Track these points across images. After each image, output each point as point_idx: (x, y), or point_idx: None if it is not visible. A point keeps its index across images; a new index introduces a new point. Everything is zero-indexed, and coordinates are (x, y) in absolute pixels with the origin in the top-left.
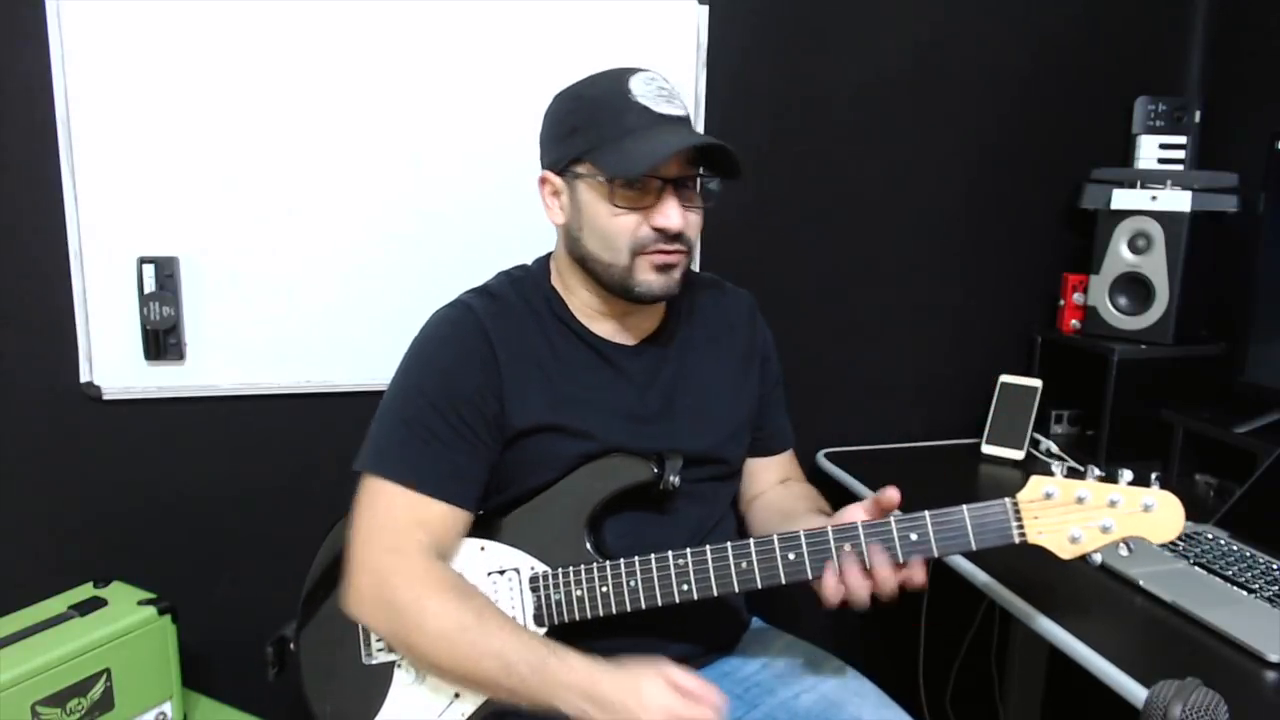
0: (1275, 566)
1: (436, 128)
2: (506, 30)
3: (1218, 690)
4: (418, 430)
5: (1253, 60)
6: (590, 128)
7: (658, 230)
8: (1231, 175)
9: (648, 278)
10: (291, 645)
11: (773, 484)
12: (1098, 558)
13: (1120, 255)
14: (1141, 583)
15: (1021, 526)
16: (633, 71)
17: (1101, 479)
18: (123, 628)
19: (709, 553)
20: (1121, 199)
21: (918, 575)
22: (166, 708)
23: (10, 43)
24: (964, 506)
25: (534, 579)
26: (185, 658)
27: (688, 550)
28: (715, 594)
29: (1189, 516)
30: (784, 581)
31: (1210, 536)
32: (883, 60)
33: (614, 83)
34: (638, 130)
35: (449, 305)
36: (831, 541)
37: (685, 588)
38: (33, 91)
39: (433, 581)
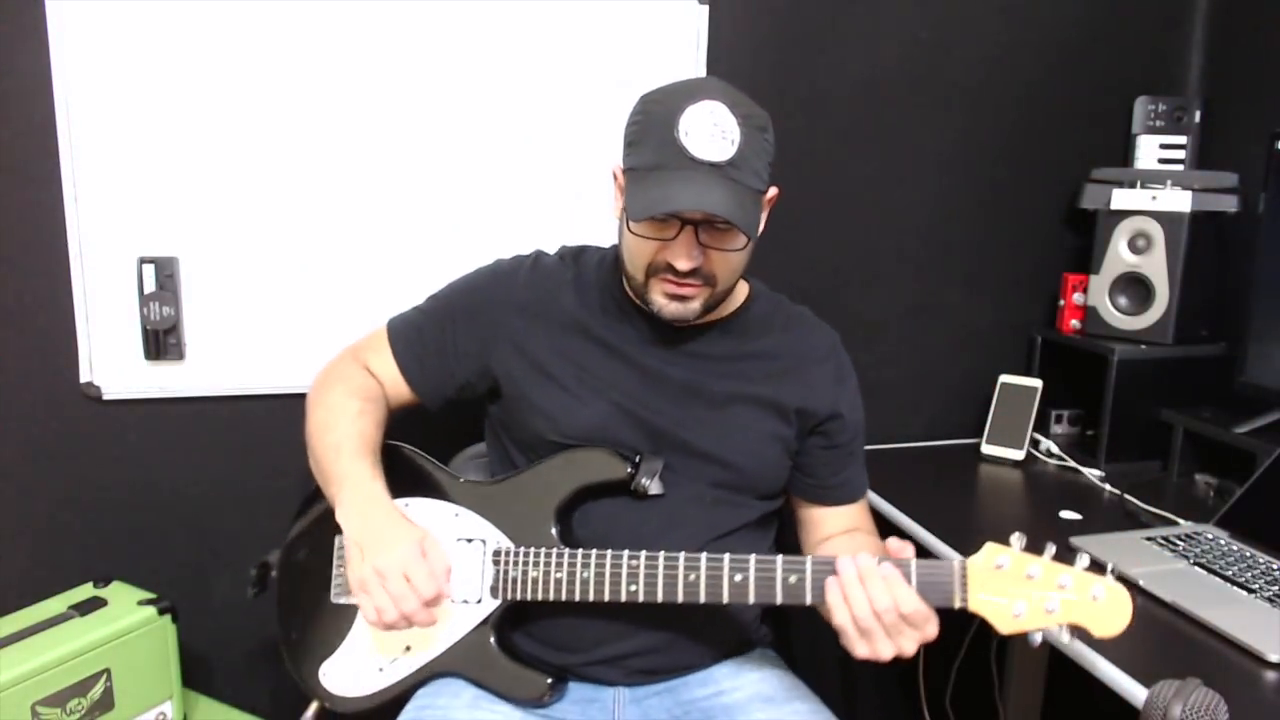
0: (1275, 566)
1: (437, 128)
2: (508, 31)
3: (1218, 690)
4: (425, 314)
5: (1253, 60)
6: (637, 146)
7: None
8: (1231, 175)
9: (659, 300)
10: (274, 572)
11: (837, 532)
12: (1038, 637)
13: (1120, 255)
14: (1141, 583)
15: (965, 592)
16: (696, 97)
17: (1056, 559)
18: (123, 628)
19: (660, 559)
20: (1121, 199)
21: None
22: (166, 708)
23: (10, 43)
24: (913, 561)
25: (497, 553)
26: (185, 658)
27: (642, 553)
28: (660, 600)
29: (1189, 516)
30: (726, 600)
31: (1210, 536)
32: (883, 60)
33: (673, 106)
34: (666, 169)
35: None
36: (779, 570)
37: (633, 588)
38: (33, 91)
39: (354, 376)
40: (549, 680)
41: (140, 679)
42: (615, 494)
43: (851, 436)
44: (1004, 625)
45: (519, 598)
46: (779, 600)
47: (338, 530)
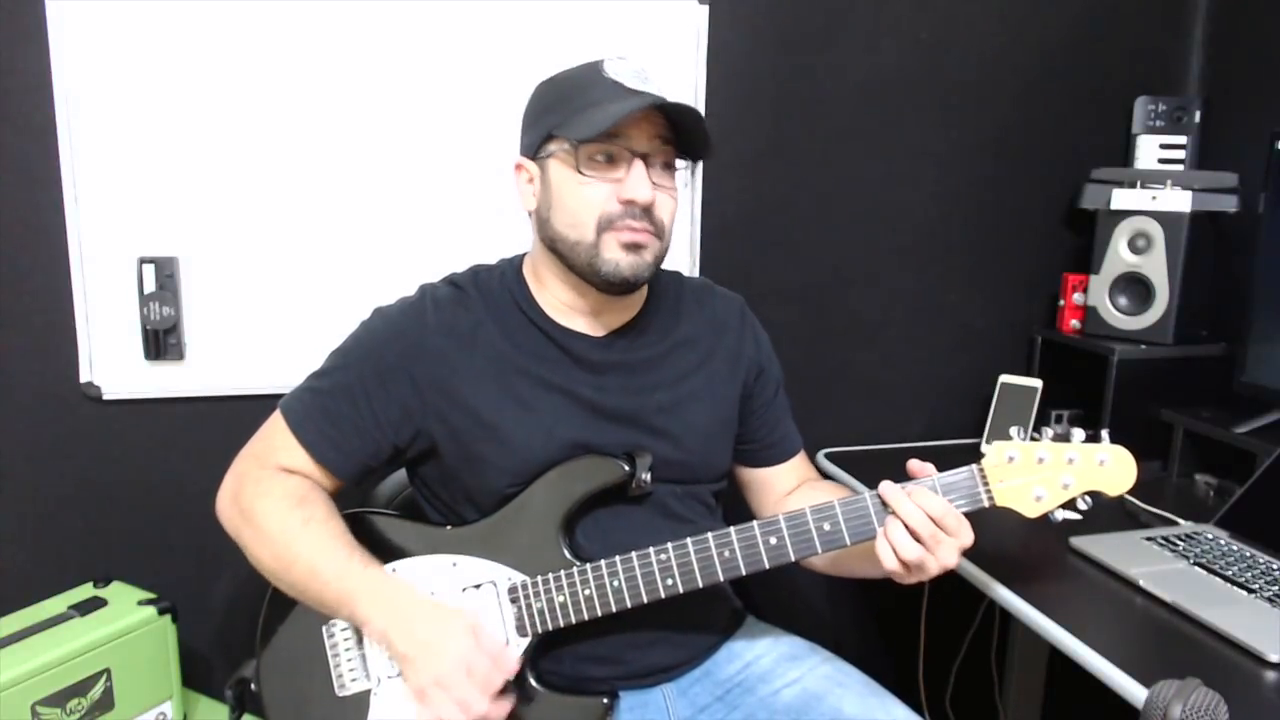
0: (1275, 566)
1: (437, 129)
2: (508, 32)
3: (1218, 690)
4: (326, 393)
5: (1253, 60)
6: (560, 103)
7: (626, 203)
8: (1231, 175)
9: (614, 256)
10: (253, 686)
11: (792, 487)
12: (1059, 514)
13: (1120, 255)
14: (1141, 583)
15: (989, 490)
16: (603, 58)
17: (1057, 439)
18: (123, 628)
19: (691, 545)
20: (1121, 199)
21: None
22: (166, 708)
23: (10, 43)
24: (934, 477)
25: (512, 589)
26: (185, 658)
27: (669, 545)
28: (700, 585)
29: (1189, 516)
30: (767, 566)
31: (1210, 536)
32: (883, 60)
33: (587, 68)
34: (605, 101)
35: (416, 290)
36: (810, 521)
37: (670, 582)
38: (33, 91)
39: (274, 487)
40: (604, 700)
41: (140, 679)
42: (604, 504)
43: (777, 388)
44: (1029, 510)
45: (550, 627)
46: (820, 550)
47: (322, 620)
